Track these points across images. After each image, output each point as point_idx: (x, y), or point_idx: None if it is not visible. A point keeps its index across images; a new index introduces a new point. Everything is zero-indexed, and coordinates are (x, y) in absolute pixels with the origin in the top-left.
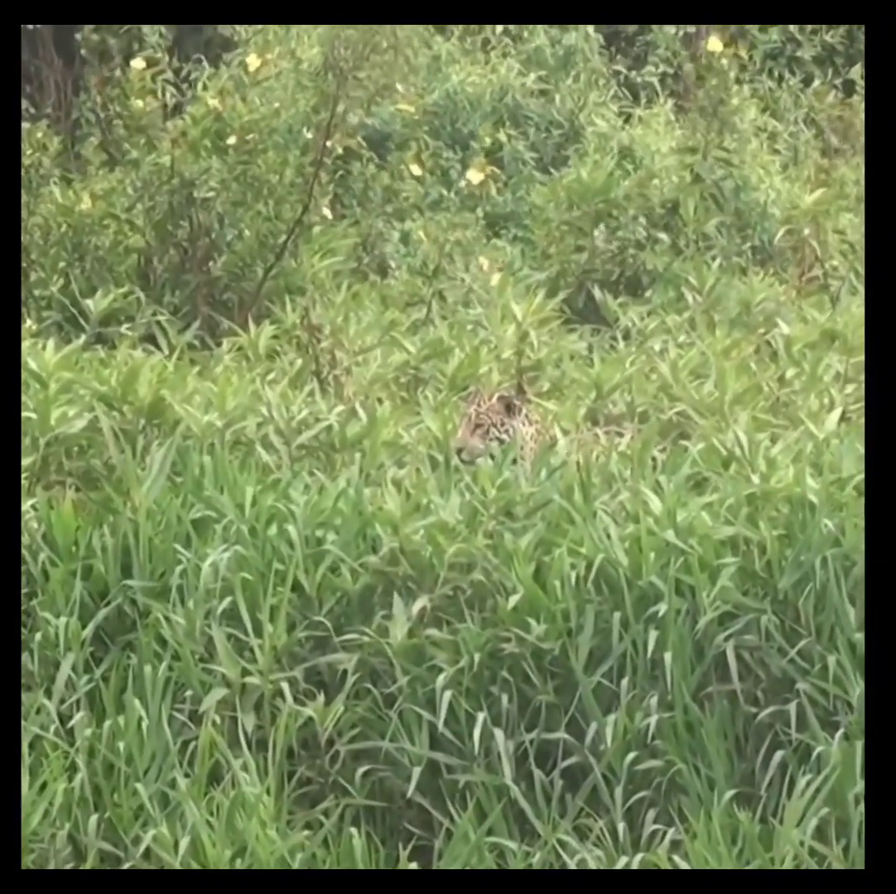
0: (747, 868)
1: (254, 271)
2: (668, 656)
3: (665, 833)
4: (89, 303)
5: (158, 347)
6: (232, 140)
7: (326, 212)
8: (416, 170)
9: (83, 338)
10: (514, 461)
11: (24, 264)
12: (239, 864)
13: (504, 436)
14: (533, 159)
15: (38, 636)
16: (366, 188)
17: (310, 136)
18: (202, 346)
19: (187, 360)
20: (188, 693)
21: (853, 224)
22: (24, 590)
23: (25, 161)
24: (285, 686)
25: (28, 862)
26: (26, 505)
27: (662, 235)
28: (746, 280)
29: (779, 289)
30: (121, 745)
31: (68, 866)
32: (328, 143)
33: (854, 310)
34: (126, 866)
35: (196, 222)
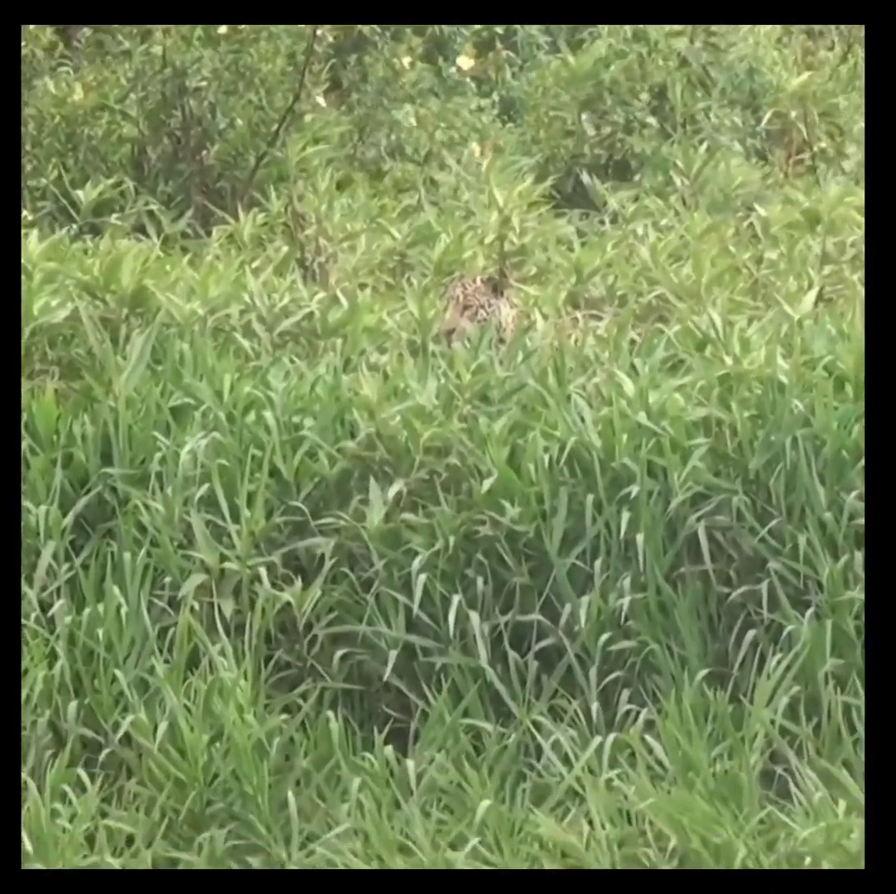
0: (718, 747)
1: (246, 160)
2: (640, 537)
3: (638, 713)
4: (80, 193)
5: (150, 237)
6: (223, 30)
7: (320, 100)
8: (407, 59)
9: (66, 229)
10: (490, 345)
11: None
12: (216, 748)
13: (491, 317)
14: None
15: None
16: (363, 77)
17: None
18: (196, 235)
19: (179, 249)
20: (167, 579)
21: (840, 107)
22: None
23: None
24: (263, 571)
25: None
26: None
27: (651, 119)
28: (734, 163)
29: (763, 173)
30: (100, 632)
31: (49, 752)
32: (319, 32)
33: (833, 191)
34: (105, 751)
35: (188, 112)
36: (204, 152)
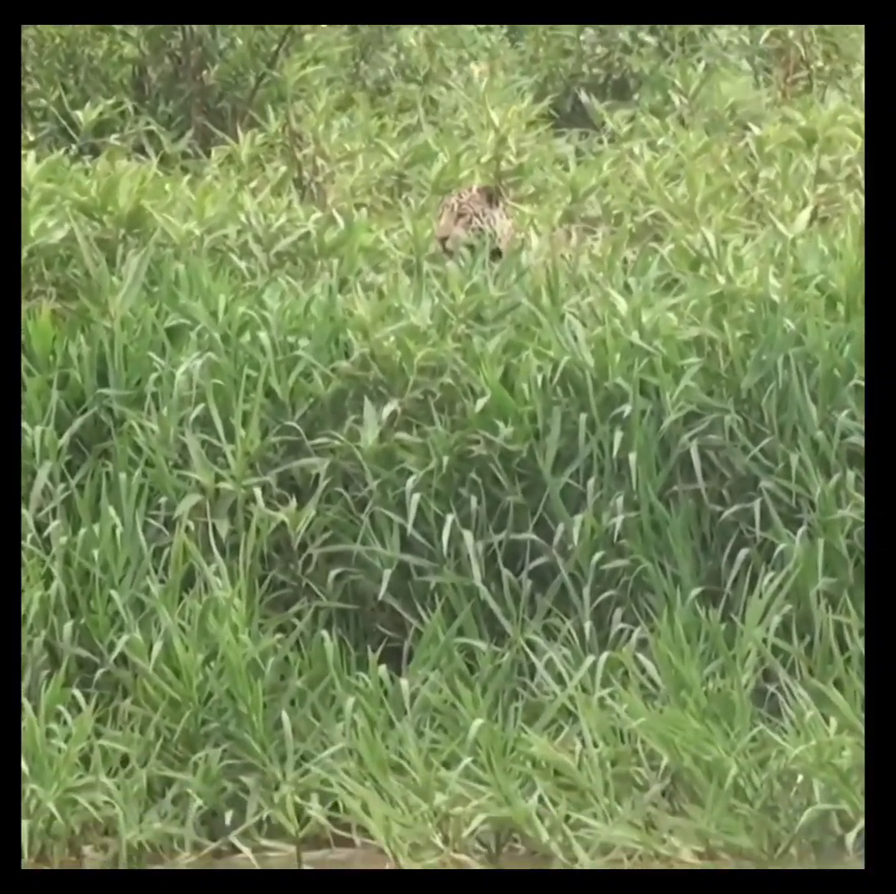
0: (711, 665)
1: (247, 80)
2: (633, 456)
3: (631, 631)
4: (79, 114)
5: (150, 157)
6: None
7: None
8: None
9: (64, 149)
10: (485, 264)
11: None
12: (211, 668)
13: (486, 226)
14: None
15: None
16: None
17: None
18: (196, 156)
19: (178, 169)
20: (162, 499)
21: (839, 25)
22: None
23: None
24: (258, 491)
25: None
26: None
27: (648, 38)
28: (732, 83)
29: (760, 92)
30: (96, 553)
31: (45, 672)
32: None
33: (828, 110)
34: (101, 671)
35: (189, 32)
36: (204, 72)
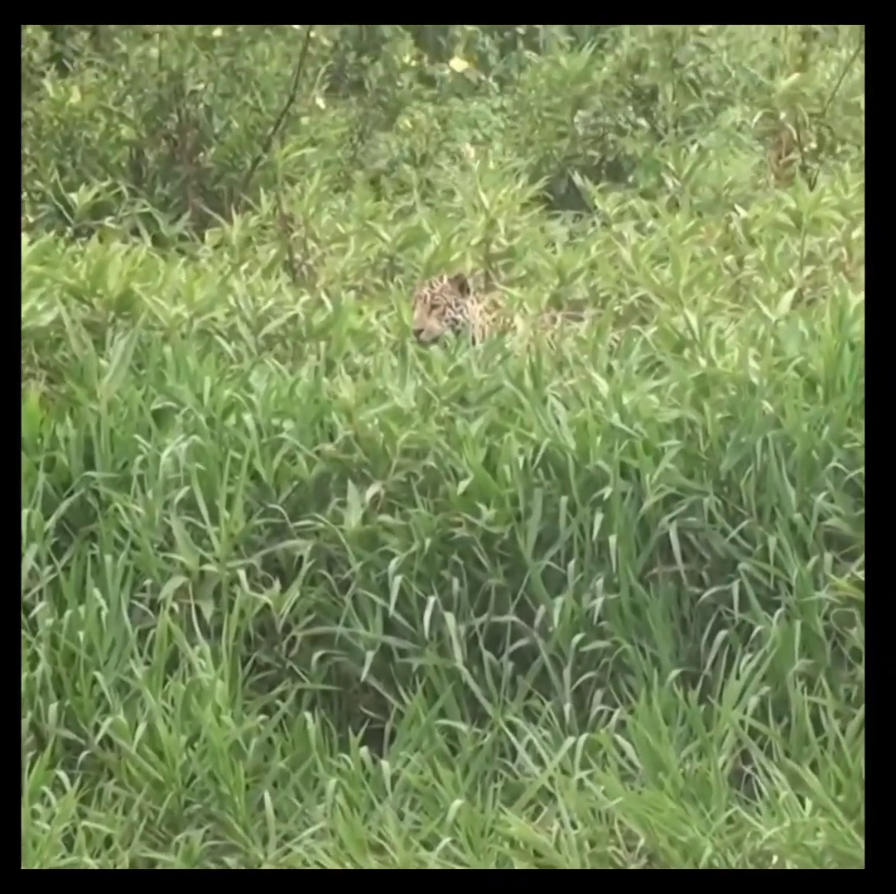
0: (688, 747)
1: (243, 162)
2: (613, 539)
3: (611, 713)
4: (74, 196)
5: (151, 240)
6: (218, 32)
7: (319, 103)
8: (409, 60)
9: (52, 232)
10: (467, 347)
11: None
12: (194, 749)
13: (460, 316)
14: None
15: None
16: (360, 80)
17: (297, 27)
18: (193, 238)
19: (174, 252)
20: (148, 581)
21: (830, 108)
22: None
23: None
24: (242, 573)
25: None
26: None
27: (642, 121)
28: (724, 165)
29: (752, 174)
30: (82, 634)
31: (30, 753)
32: (312, 34)
33: (808, 192)
34: (85, 753)
35: (185, 114)
36: (201, 155)
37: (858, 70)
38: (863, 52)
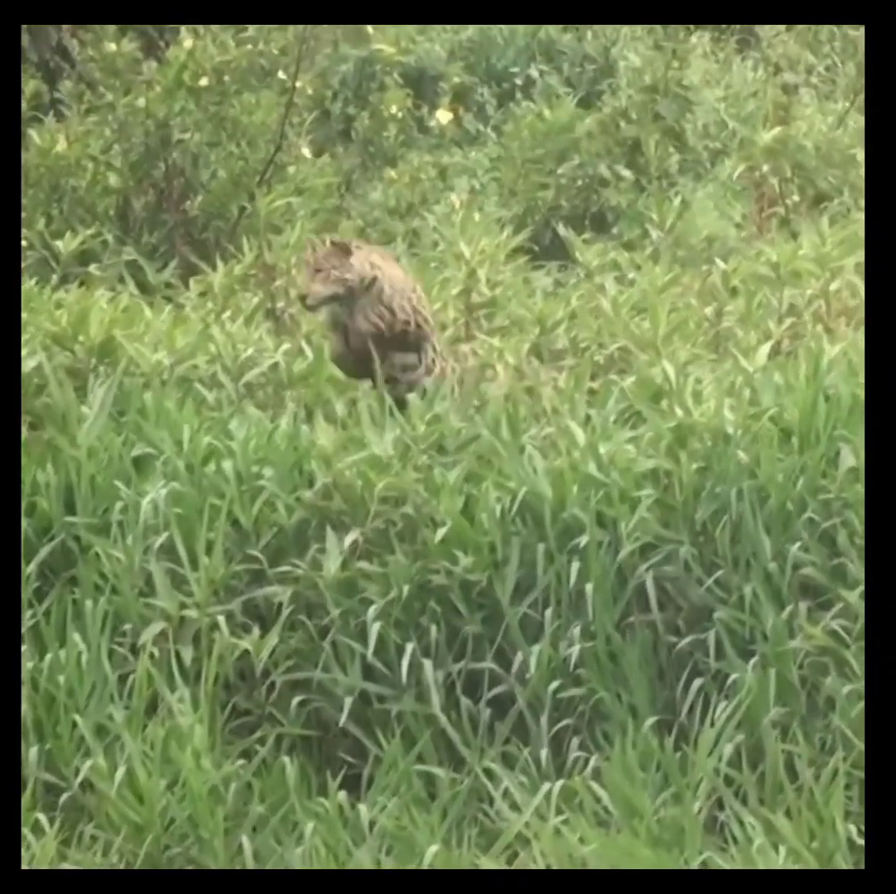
0: (663, 793)
1: (229, 210)
2: (590, 587)
3: (587, 759)
4: (60, 244)
5: (138, 287)
6: (204, 82)
7: (305, 152)
8: (395, 110)
9: (35, 279)
10: (444, 397)
11: None
12: (173, 794)
13: (346, 276)
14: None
15: None
16: (347, 130)
17: (283, 77)
18: (179, 286)
19: (160, 299)
20: (127, 626)
21: (812, 161)
22: None
23: None
24: (221, 619)
25: None
26: None
27: (625, 172)
28: (706, 217)
29: (734, 226)
30: (62, 678)
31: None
32: (298, 84)
33: (790, 245)
34: (65, 796)
35: (172, 163)
36: (187, 203)
37: (853, 123)
38: (860, 103)
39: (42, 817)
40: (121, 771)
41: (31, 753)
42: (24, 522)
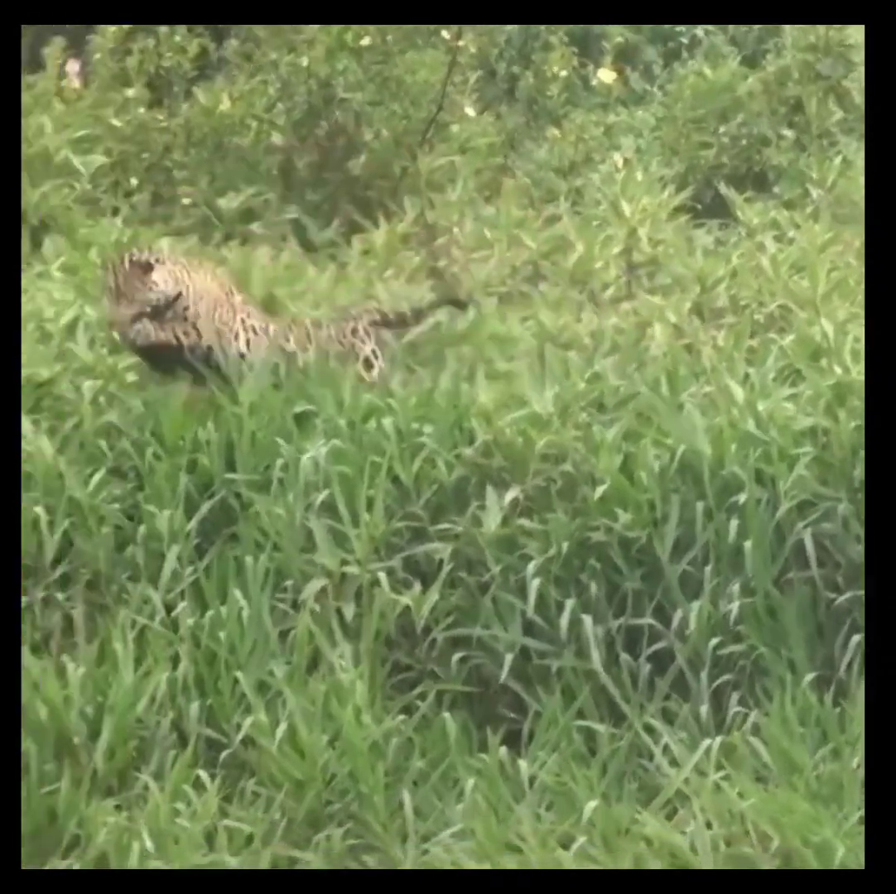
0: (822, 749)
1: (392, 169)
2: (748, 544)
3: (747, 715)
4: (223, 202)
5: (300, 245)
6: (367, 41)
7: (469, 111)
8: (559, 69)
9: (195, 237)
10: (605, 354)
11: (168, 163)
12: (334, 750)
13: (152, 295)
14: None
15: (142, 529)
16: (511, 88)
17: (446, 36)
18: (342, 245)
19: (324, 258)
20: (288, 583)
21: None
22: (131, 485)
23: (165, 63)
24: (382, 575)
25: (131, 749)
26: (137, 400)
27: (787, 131)
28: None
29: None
30: (223, 635)
31: (172, 752)
32: (461, 43)
33: None
34: (226, 752)
35: (335, 122)
36: (350, 162)
37: None
38: None
39: (203, 774)
40: (282, 727)
41: (191, 709)
42: (184, 479)
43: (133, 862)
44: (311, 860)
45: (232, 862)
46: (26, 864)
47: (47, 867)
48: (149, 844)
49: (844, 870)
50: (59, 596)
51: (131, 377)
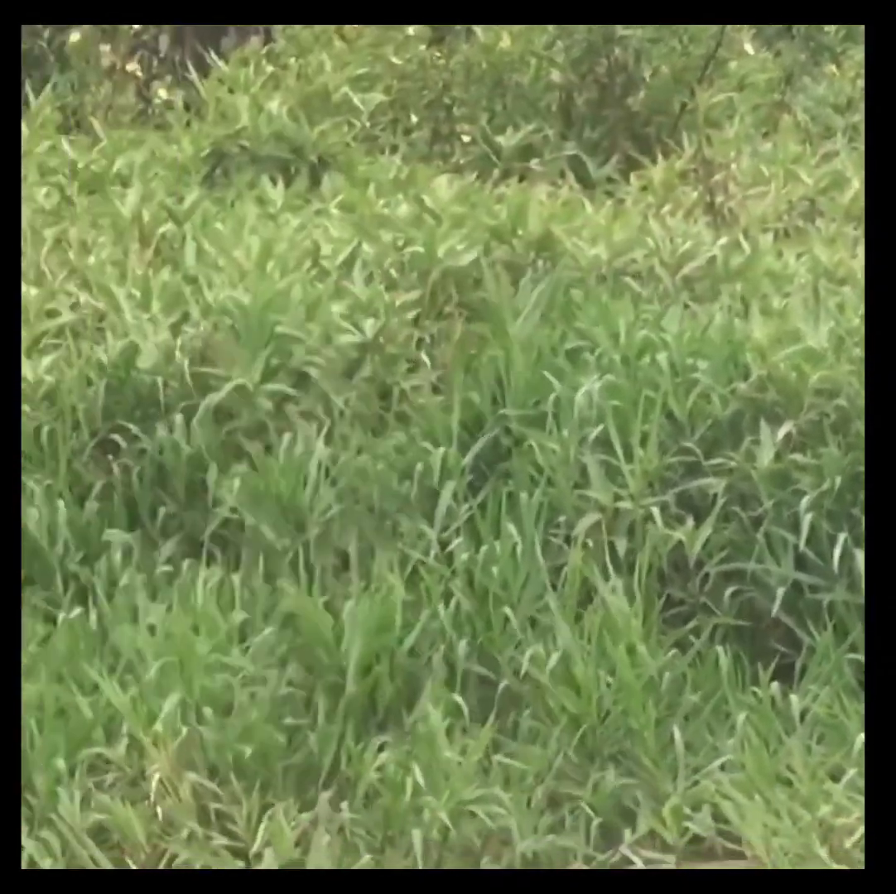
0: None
1: (671, 106)
2: None
3: None
4: (501, 139)
5: (578, 182)
6: None
7: (748, 48)
8: None
9: (476, 174)
10: None
11: (447, 101)
12: (608, 685)
13: None
14: None
15: (419, 466)
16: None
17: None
18: (619, 182)
19: (601, 194)
20: (561, 518)
21: None
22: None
23: None
24: (656, 510)
25: (399, 683)
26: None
27: None
28: None
29: None
30: (495, 570)
31: (443, 687)
32: None
33: None
34: (500, 686)
35: (614, 59)
36: (629, 99)
37: None
38: None
39: (474, 709)
40: (555, 662)
41: (462, 645)
42: (457, 416)
43: (405, 798)
44: (581, 795)
45: (504, 799)
46: (296, 802)
47: (314, 807)
48: (420, 779)
49: (844, 870)
50: (334, 532)
51: (408, 313)
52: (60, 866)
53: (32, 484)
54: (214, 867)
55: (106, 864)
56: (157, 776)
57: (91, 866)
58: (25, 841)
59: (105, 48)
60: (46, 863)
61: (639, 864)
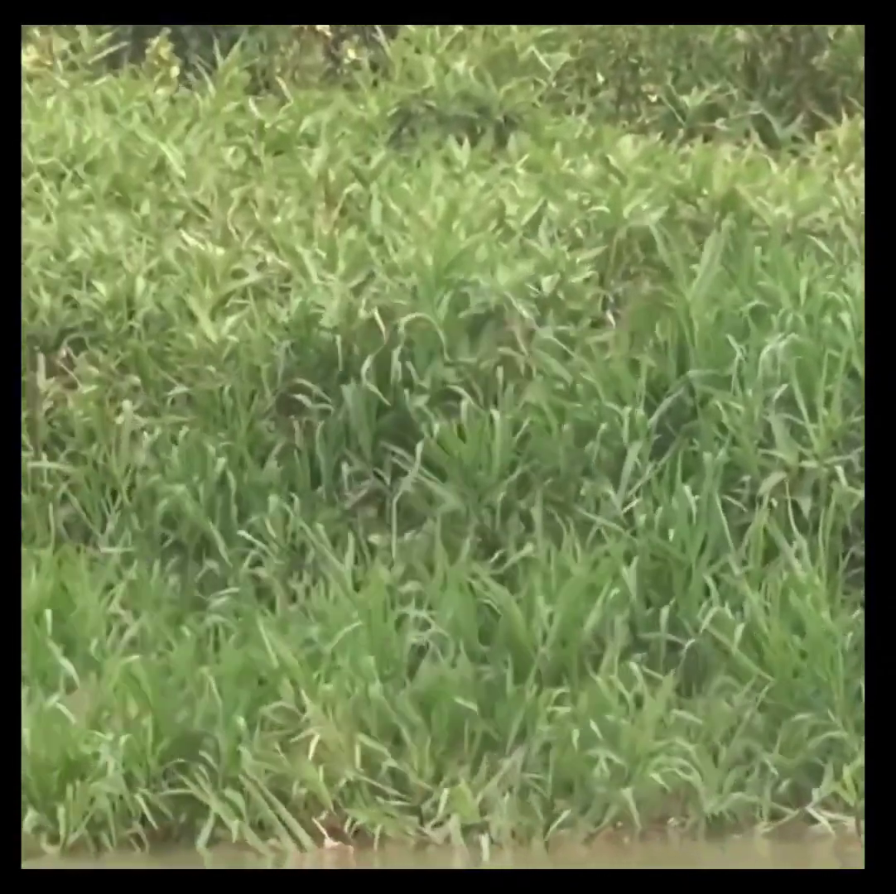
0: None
1: (856, 66)
2: None
3: None
4: (686, 99)
5: (763, 141)
6: None
7: None
8: None
9: (661, 134)
10: None
11: (633, 60)
12: (793, 644)
13: None
14: None
15: (603, 426)
16: None
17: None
18: (805, 141)
19: (786, 154)
20: (746, 478)
21: None
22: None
23: None
24: (840, 469)
25: (583, 642)
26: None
27: None
28: None
29: None
30: (673, 531)
31: (624, 645)
32: None
33: None
34: (688, 644)
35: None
36: (814, 58)
37: None
38: None
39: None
40: (740, 622)
41: (643, 605)
42: (643, 378)
43: (573, 749)
44: (769, 752)
45: (691, 749)
46: (475, 767)
47: (495, 772)
48: (598, 733)
49: (844, 871)
50: (517, 498)
51: (587, 272)
52: (246, 827)
53: (209, 445)
54: (390, 832)
55: (294, 825)
56: (333, 738)
57: (279, 827)
58: (212, 801)
59: None
60: (234, 826)
61: (823, 823)
